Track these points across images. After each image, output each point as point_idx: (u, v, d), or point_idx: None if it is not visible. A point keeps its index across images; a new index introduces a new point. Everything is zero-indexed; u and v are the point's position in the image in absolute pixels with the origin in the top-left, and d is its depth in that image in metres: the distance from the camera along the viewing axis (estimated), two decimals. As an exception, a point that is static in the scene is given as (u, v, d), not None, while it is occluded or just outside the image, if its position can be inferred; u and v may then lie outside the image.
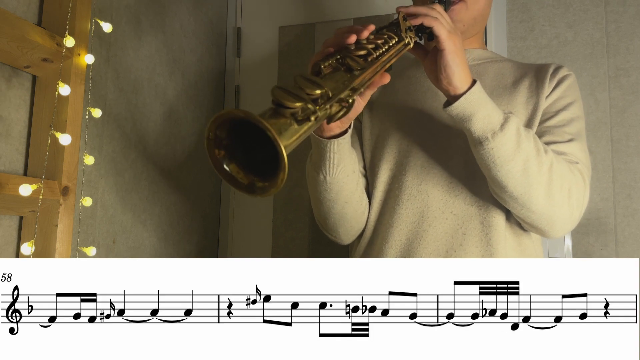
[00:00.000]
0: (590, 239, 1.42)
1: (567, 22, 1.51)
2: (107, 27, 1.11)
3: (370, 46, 0.66)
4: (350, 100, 0.56)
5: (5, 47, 0.90)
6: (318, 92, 0.51)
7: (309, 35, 1.74)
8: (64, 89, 0.97)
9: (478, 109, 0.74)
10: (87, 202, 1.06)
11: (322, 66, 0.60)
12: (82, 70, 1.02)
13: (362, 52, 0.65)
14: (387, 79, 0.73)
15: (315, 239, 1.66)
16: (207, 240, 1.69)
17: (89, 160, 1.08)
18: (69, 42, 0.96)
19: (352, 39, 0.67)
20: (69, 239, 0.97)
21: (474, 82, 0.76)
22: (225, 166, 0.50)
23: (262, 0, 1.81)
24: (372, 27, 0.69)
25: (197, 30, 1.65)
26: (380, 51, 0.67)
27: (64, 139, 0.95)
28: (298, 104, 0.48)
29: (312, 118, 0.49)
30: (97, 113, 1.09)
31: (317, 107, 0.50)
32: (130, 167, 1.31)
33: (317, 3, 1.74)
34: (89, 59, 1.03)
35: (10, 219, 0.99)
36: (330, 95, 0.53)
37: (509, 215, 0.87)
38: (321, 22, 1.74)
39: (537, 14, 1.55)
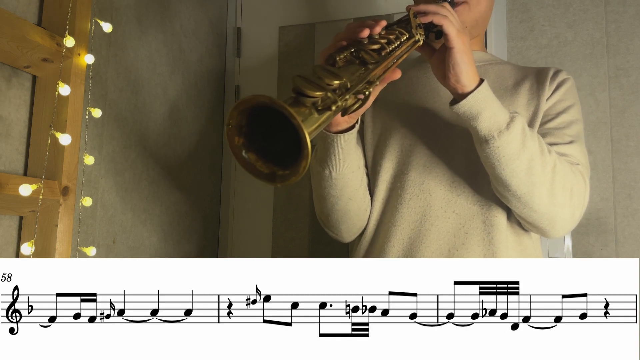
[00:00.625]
0: (590, 239, 1.42)
1: (567, 22, 1.51)
2: (107, 27, 1.11)
3: (383, 41, 0.67)
4: (367, 93, 0.56)
5: (5, 47, 0.90)
6: (337, 82, 0.52)
7: (309, 35, 1.74)
8: (64, 89, 0.97)
9: (485, 108, 0.75)
10: (87, 202, 1.06)
11: (337, 58, 0.60)
12: (82, 70, 1.02)
13: (376, 47, 0.65)
14: (398, 74, 0.73)
15: (315, 239, 1.66)
16: (207, 240, 1.69)
17: (89, 160, 1.08)
18: (69, 42, 0.96)
19: (366, 32, 0.67)
20: (69, 239, 0.97)
21: (481, 81, 0.76)
22: (244, 154, 0.50)
23: (262, 0, 1.81)
24: (384, 23, 0.70)
25: (197, 30, 1.65)
26: (393, 46, 0.68)
27: (64, 139, 0.95)
28: (319, 93, 0.48)
29: (333, 108, 0.49)
30: (97, 113, 1.09)
31: (337, 97, 0.50)
32: (130, 167, 1.31)
33: (317, 3, 1.74)
34: (89, 59, 1.03)
35: (10, 219, 0.98)
36: (349, 86, 0.53)
37: (510, 214, 0.88)
38: (321, 22, 1.74)
39: (537, 14, 1.55)
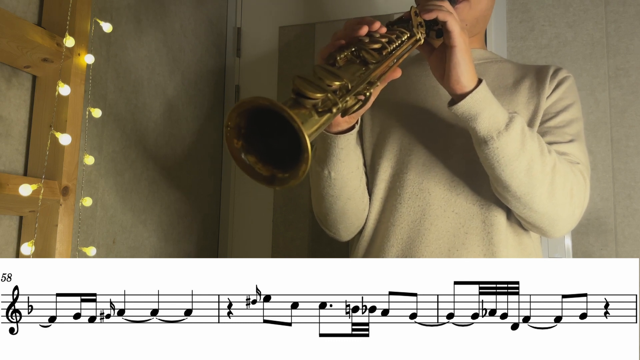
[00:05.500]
0: (590, 239, 1.42)
1: (567, 22, 1.51)
2: (107, 27, 1.11)
3: (384, 40, 0.66)
4: (368, 94, 0.55)
5: (5, 47, 0.90)
6: (337, 83, 0.51)
7: (309, 35, 1.74)
8: (64, 89, 0.96)
9: (484, 108, 0.74)
10: (87, 202, 1.06)
11: (338, 57, 0.60)
12: (82, 70, 1.01)
13: (377, 46, 0.64)
14: (398, 73, 0.72)
15: (315, 239, 1.66)
16: (207, 240, 1.69)
17: (89, 160, 1.08)
18: (69, 42, 0.96)
19: (364, 30, 0.66)
20: (69, 239, 0.97)
21: (479, 81, 0.76)
22: (243, 156, 0.49)
23: (262, 0, 1.81)
24: (378, 24, 0.70)
25: (197, 30, 1.65)
26: (394, 45, 0.67)
27: (64, 139, 0.95)
28: (319, 95, 0.48)
29: (334, 110, 0.48)
30: (97, 113, 1.09)
31: (338, 99, 0.49)
32: (130, 167, 1.31)
33: (317, 3, 1.74)
34: (89, 59, 1.03)
35: (10, 219, 0.98)
36: (350, 87, 0.53)
37: (509, 214, 0.87)
38: (321, 22, 1.74)
39: (537, 14, 1.55)
